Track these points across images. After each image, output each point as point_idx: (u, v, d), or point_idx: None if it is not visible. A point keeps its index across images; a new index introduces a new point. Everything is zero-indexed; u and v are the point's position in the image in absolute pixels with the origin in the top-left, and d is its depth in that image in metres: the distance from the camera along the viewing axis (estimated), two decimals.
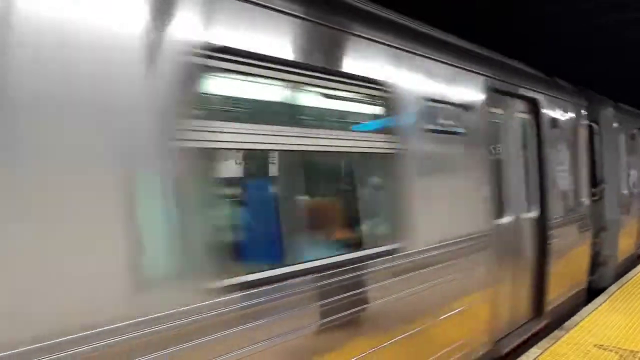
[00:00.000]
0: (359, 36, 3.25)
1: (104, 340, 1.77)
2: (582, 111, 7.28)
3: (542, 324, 5.52)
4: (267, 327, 2.40)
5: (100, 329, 1.76)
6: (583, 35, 8.59)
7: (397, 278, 3.30)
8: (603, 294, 7.34)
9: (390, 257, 3.26)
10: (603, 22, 8.03)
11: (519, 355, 4.94)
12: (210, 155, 2.43)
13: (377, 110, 3.50)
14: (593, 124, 7.80)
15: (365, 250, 3.22)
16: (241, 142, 2.53)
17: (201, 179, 2.26)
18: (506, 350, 4.77)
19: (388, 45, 3.47)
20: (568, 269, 6.26)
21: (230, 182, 3.12)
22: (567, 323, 5.94)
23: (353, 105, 3.56)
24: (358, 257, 3.08)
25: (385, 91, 3.37)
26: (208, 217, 2.30)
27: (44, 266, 1.67)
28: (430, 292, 3.63)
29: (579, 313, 6.35)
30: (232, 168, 3.13)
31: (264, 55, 2.56)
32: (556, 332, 5.62)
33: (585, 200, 7.12)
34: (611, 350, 5.04)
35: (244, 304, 2.30)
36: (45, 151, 1.71)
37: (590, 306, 6.67)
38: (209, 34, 2.28)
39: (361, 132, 3.45)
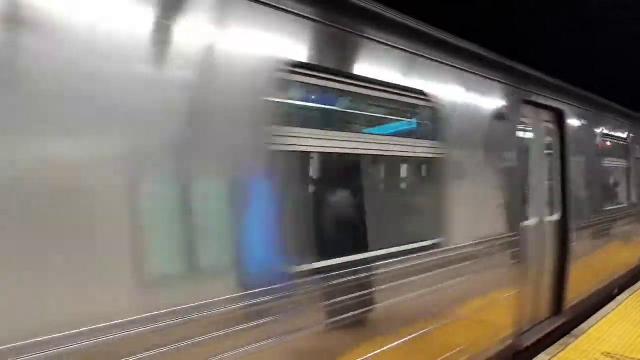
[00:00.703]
0: (426, 57, 3.88)
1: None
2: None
3: (561, 321, 5.88)
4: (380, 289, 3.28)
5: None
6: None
7: (446, 268, 3.90)
8: (613, 302, 7.42)
9: (439, 249, 3.83)
10: None
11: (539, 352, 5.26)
12: (299, 156, 3.07)
13: (430, 121, 3.95)
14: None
15: (422, 242, 3.76)
16: (324, 146, 3.06)
17: (293, 178, 2.92)
18: (527, 344, 5.15)
19: (440, 62, 4.04)
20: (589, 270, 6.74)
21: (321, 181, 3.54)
22: (575, 330, 6.04)
23: (413, 117, 4.01)
24: (419, 247, 3.70)
25: (436, 104, 3.90)
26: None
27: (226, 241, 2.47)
28: (472, 280, 4.20)
29: (587, 321, 6.44)
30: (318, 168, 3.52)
31: (339, 71, 3.11)
32: (565, 339, 5.73)
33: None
34: (619, 359, 5.16)
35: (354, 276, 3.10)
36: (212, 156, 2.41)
37: (599, 314, 6.75)
38: (293, 53, 2.82)
39: (417, 139, 3.86)
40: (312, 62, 2.91)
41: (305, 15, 2.88)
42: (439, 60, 3.99)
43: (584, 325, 6.24)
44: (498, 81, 4.81)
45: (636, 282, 8.52)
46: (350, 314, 3.07)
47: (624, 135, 8.62)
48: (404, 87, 3.60)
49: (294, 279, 2.71)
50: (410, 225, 3.98)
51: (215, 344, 2.32)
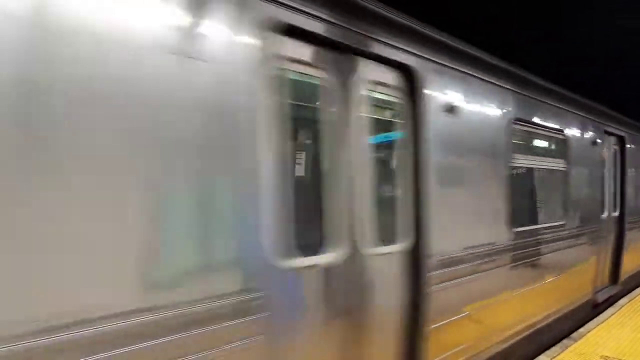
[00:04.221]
0: (564, 110, 6.48)
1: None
2: None
3: (618, 289, 8.12)
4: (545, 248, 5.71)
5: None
6: None
7: (567, 240, 6.34)
8: (612, 307, 7.53)
9: (564, 228, 6.28)
10: None
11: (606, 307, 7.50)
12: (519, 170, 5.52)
13: (563, 149, 6.43)
14: None
15: (556, 222, 6.16)
16: (526, 165, 5.69)
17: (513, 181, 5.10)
18: (600, 300, 7.45)
19: (567, 111, 6.52)
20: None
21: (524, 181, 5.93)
22: (574, 334, 6.15)
23: (556, 146, 6.49)
24: (557, 225, 6.12)
25: (567, 138, 6.45)
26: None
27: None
28: (573, 250, 6.51)
29: (586, 325, 6.56)
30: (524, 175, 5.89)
31: (533, 123, 5.69)
32: (564, 341, 5.84)
33: None
34: None
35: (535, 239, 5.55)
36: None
37: (598, 319, 6.86)
38: (518, 114, 5.29)
39: (559, 159, 6.40)
40: (528, 119, 5.56)
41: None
42: (566, 109, 6.50)
43: (582, 330, 6.34)
44: (592, 119, 7.23)
45: None
46: (534, 258, 5.50)
47: None
48: (555, 129, 6.21)
49: (514, 237, 5.01)
50: (551, 211, 6.34)
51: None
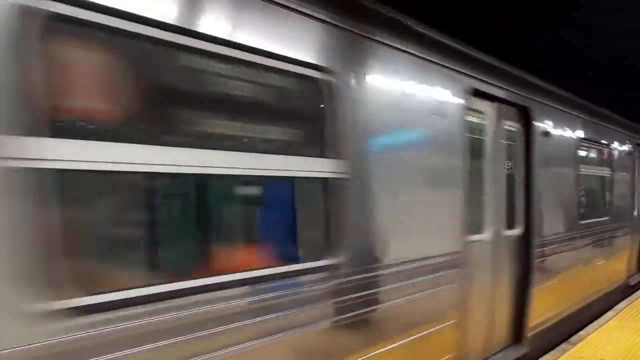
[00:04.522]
0: (606, 127, 8.04)
1: None
2: None
3: None
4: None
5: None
6: None
7: (611, 232, 7.98)
8: (611, 310, 7.46)
9: (609, 222, 7.88)
10: None
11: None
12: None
13: (609, 159, 8.12)
14: None
15: (602, 218, 7.65)
16: (587, 172, 7.11)
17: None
18: (632, 284, 9.08)
19: (608, 127, 8.06)
20: None
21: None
22: (573, 337, 6.08)
23: (605, 157, 8.16)
24: (603, 220, 7.68)
25: (611, 151, 8.19)
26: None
27: None
28: (614, 241, 8.13)
29: (586, 328, 6.50)
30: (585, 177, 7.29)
31: (592, 140, 7.35)
32: (563, 345, 5.76)
33: None
34: None
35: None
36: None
37: (597, 322, 6.80)
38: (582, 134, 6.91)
39: (604, 167, 8.06)
40: (589, 138, 7.12)
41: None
42: (609, 127, 8.09)
43: (582, 333, 6.27)
44: (627, 135, 8.99)
45: None
46: (592, 245, 7.12)
47: None
48: (604, 144, 7.95)
49: (581, 227, 6.67)
50: (600, 208, 7.68)
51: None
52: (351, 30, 3.09)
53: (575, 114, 6.72)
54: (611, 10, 7.44)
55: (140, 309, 1.97)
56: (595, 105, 7.51)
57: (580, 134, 6.78)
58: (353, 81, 3.04)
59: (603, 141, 7.84)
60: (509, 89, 5.01)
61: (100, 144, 1.90)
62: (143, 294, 1.99)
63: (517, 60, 5.56)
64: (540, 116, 5.54)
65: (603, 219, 7.55)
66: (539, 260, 5.42)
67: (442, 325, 3.83)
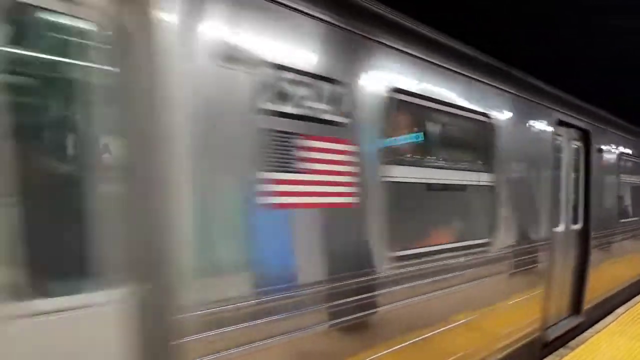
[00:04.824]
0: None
1: None
2: None
3: None
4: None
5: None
6: None
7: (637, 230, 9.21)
8: (610, 315, 7.34)
9: (638, 220, 9.23)
10: None
11: None
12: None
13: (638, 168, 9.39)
14: None
15: (634, 218, 9.08)
16: (624, 180, 8.70)
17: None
18: None
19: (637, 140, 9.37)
20: None
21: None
22: (572, 342, 5.96)
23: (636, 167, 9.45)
24: (631, 220, 9.05)
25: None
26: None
27: None
28: None
29: (584, 333, 6.38)
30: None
31: (628, 153, 8.80)
32: (561, 351, 5.64)
33: None
34: None
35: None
36: None
37: (596, 327, 6.68)
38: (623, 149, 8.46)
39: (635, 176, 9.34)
40: (627, 152, 8.69)
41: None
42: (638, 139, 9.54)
43: (580, 338, 6.16)
44: None
45: None
46: (626, 240, 8.62)
47: None
48: (636, 155, 9.14)
49: (620, 225, 8.29)
50: (629, 210, 8.93)
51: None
52: (500, 88, 4.76)
53: (619, 133, 8.37)
54: (611, 10, 7.36)
55: (422, 259, 3.68)
56: (633, 125, 9.19)
57: (621, 149, 8.39)
58: (500, 121, 4.66)
59: (634, 152, 9.48)
60: (577, 116, 6.53)
61: (407, 168, 3.67)
62: (421, 252, 3.71)
63: (515, 60, 5.47)
64: (595, 136, 7.08)
65: (634, 219, 9.19)
66: (594, 248, 6.97)
67: (536, 292, 5.37)
